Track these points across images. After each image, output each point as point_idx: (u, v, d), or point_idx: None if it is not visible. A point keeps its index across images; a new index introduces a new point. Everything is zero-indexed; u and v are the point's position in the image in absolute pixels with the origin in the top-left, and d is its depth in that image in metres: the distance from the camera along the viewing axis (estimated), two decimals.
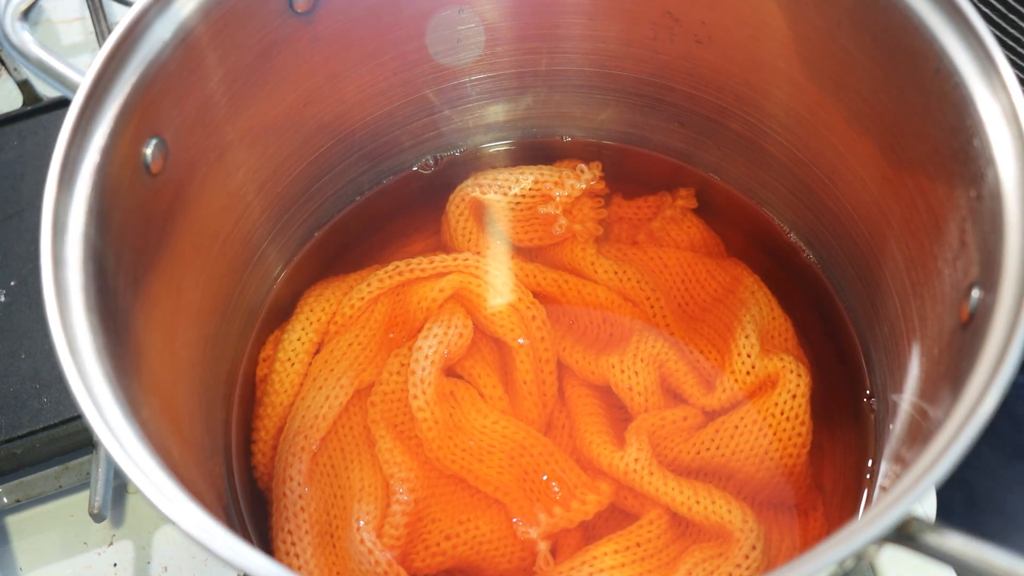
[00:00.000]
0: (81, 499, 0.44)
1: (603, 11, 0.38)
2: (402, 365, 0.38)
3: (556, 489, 0.36)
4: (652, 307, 0.40)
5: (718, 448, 0.36)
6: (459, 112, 0.43)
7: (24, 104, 0.52)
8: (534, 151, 0.44)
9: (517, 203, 0.41)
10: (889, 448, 0.34)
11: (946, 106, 0.29)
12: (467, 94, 0.42)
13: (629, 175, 0.44)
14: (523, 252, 0.42)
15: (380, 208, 0.44)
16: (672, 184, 0.43)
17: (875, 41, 0.31)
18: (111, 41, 0.30)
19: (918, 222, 0.33)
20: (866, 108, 0.34)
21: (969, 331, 0.28)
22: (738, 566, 0.33)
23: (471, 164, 0.44)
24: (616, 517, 0.36)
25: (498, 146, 0.45)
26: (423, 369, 0.37)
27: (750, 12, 0.35)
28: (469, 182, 0.42)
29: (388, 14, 0.37)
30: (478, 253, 0.41)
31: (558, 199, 0.42)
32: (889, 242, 0.35)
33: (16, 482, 0.43)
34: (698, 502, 0.35)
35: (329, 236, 0.43)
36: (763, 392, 0.37)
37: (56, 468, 0.43)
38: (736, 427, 0.36)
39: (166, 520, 0.24)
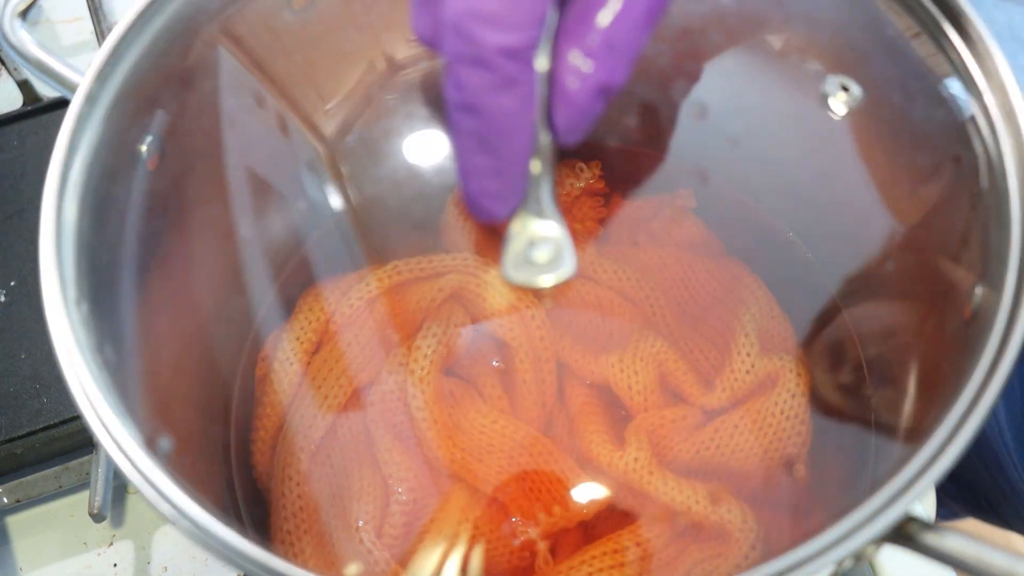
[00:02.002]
0: (81, 499, 0.44)
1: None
2: (401, 365, 0.38)
3: (555, 488, 0.36)
4: (652, 307, 0.40)
5: (718, 447, 0.36)
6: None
7: (24, 104, 0.52)
8: None
9: None
10: (889, 447, 0.34)
11: (948, 104, 0.29)
12: None
13: (629, 175, 0.44)
14: None
15: (380, 207, 0.44)
16: (672, 184, 0.43)
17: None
18: (110, 41, 0.30)
19: (919, 220, 0.33)
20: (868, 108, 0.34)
21: (971, 329, 0.28)
22: (738, 566, 0.33)
23: None
24: (616, 517, 0.36)
25: None
26: (422, 369, 0.37)
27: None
28: None
29: (385, 11, 0.37)
30: (478, 253, 0.41)
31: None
32: (890, 240, 0.35)
33: (16, 482, 0.43)
34: (698, 502, 0.35)
35: (328, 235, 0.43)
36: (763, 391, 0.37)
37: (56, 468, 0.43)
38: (736, 426, 0.36)
39: (165, 520, 0.24)
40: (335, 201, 0.41)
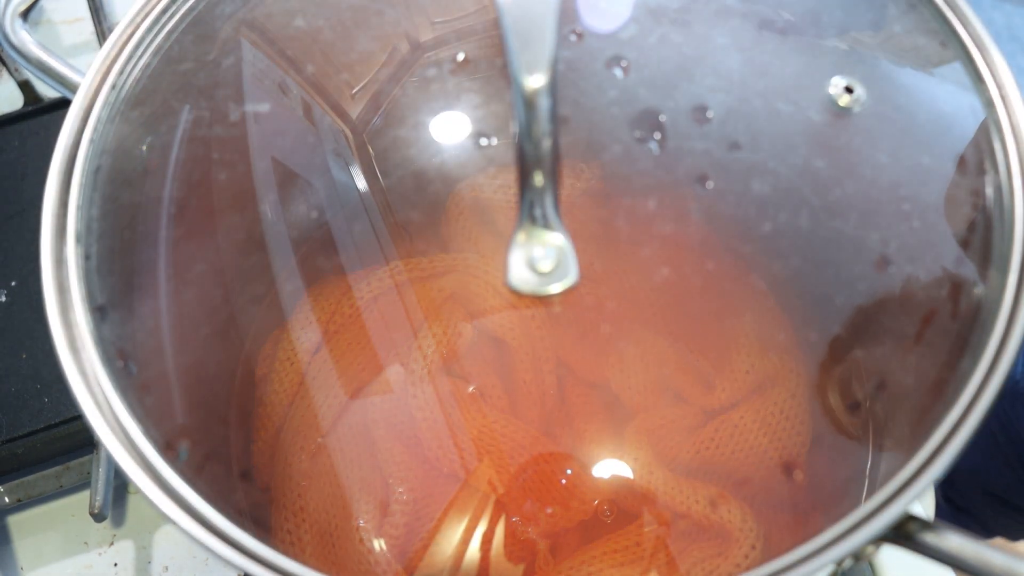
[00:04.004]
0: (82, 499, 0.44)
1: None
2: (401, 365, 0.38)
3: (555, 488, 0.36)
4: (652, 307, 0.40)
5: (718, 447, 0.36)
6: (459, 110, 0.43)
7: (25, 104, 0.52)
8: None
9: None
10: (888, 447, 0.34)
11: (951, 105, 0.30)
12: (467, 91, 0.42)
13: (629, 177, 0.44)
14: None
15: (380, 207, 0.44)
16: (672, 185, 0.43)
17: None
18: (111, 41, 0.30)
19: (921, 221, 0.33)
20: None
21: (971, 329, 0.28)
22: (738, 566, 0.33)
23: (471, 163, 0.44)
24: (616, 517, 0.36)
25: (498, 145, 0.45)
26: (422, 368, 0.37)
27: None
28: (469, 182, 0.42)
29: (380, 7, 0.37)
30: (478, 253, 0.41)
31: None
32: (891, 241, 0.35)
33: (17, 482, 0.43)
34: (698, 502, 0.35)
35: (329, 235, 0.43)
36: (762, 391, 0.37)
37: (57, 468, 0.44)
38: (736, 426, 0.36)
39: (166, 520, 0.24)
40: (360, 184, 0.41)
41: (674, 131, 0.41)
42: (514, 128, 0.26)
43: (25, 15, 0.32)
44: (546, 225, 0.28)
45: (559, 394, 0.39)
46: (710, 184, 0.42)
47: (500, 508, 0.36)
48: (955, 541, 0.24)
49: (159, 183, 0.32)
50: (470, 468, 0.37)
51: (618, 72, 0.39)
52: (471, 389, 0.38)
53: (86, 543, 0.43)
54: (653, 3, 0.38)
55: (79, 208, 0.28)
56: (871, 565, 0.40)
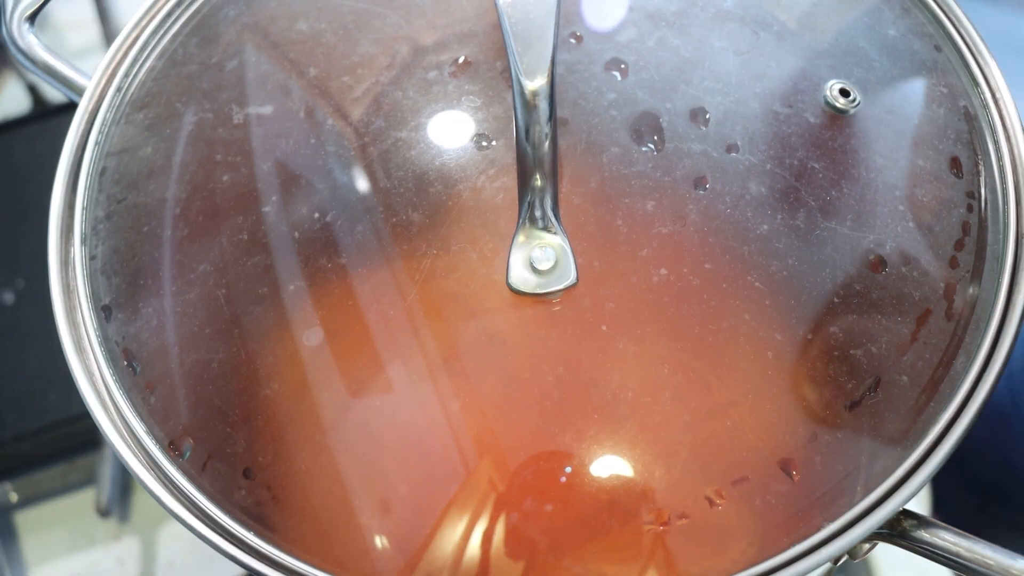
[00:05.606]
0: (88, 496, 0.44)
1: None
2: (401, 364, 0.38)
3: (555, 487, 0.36)
4: (651, 307, 0.40)
5: (715, 446, 0.36)
6: (459, 112, 0.43)
7: (33, 108, 0.52)
8: None
9: None
10: (884, 445, 0.34)
11: (946, 108, 0.30)
12: (468, 94, 0.43)
13: (628, 179, 0.44)
14: None
15: (381, 208, 0.44)
16: (671, 187, 0.43)
17: None
18: (116, 45, 0.30)
19: (916, 222, 0.33)
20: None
21: (966, 329, 0.28)
22: (735, 563, 0.33)
23: (471, 165, 0.44)
24: (615, 515, 0.37)
25: (498, 147, 0.45)
26: (422, 368, 0.37)
27: None
28: (469, 183, 0.42)
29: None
30: (478, 253, 0.41)
31: None
32: (887, 242, 0.35)
33: (24, 479, 0.44)
34: (695, 500, 0.35)
35: (331, 235, 0.43)
36: (760, 390, 0.37)
37: (63, 466, 0.44)
38: (734, 425, 0.37)
39: (171, 517, 0.25)
40: (362, 185, 0.41)
41: (672, 133, 0.42)
42: (514, 130, 0.26)
43: (32, 19, 0.32)
44: (546, 226, 0.28)
45: (559, 394, 0.39)
46: (708, 185, 0.42)
47: (500, 506, 0.37)
48: (950, 538, 0.24)
49: (163, 185, 0.32)
50: (470, 467, 0.37)
51: (616, 75, 0.39)
52: (456, 406, 0.38)
53: (92, 539, 0.44)
54: (651, 7, 0.38)
55: (85, 209, 0.28)
56: (867, 562, 0.40)
